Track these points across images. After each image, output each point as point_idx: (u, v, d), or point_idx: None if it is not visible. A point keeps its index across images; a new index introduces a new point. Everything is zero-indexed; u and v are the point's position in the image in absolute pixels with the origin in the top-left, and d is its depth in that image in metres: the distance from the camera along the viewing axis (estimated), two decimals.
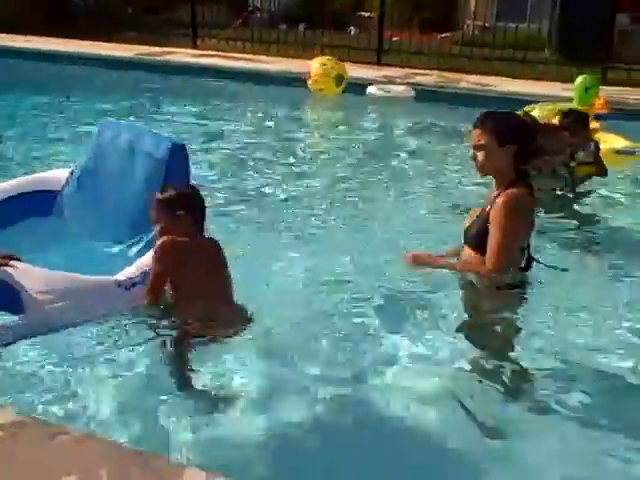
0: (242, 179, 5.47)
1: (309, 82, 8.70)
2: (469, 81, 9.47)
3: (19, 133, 6.57)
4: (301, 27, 12.60)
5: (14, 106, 8.06)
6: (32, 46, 11.40)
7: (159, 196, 2.83)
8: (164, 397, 2.47)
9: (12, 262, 2.65)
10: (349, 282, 3.42)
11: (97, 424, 2.32)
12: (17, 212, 3.45)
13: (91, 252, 3.33)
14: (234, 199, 4.89)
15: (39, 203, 3.57)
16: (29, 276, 2.63)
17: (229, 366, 2.65)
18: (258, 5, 13.89)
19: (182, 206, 2.79)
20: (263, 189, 5.17)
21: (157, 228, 2.81)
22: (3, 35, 11.99)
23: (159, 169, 3.22)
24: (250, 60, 10.67)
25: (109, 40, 11.74)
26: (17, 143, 6.16)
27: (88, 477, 1.75)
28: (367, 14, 13.00)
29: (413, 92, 8.79)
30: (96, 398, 2.45)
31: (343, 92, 8.77)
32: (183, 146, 3.31)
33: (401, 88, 8.91)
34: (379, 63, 10.60)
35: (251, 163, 5.95)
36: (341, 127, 7.72)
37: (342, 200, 4.98)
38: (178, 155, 3.26)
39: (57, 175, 3.72)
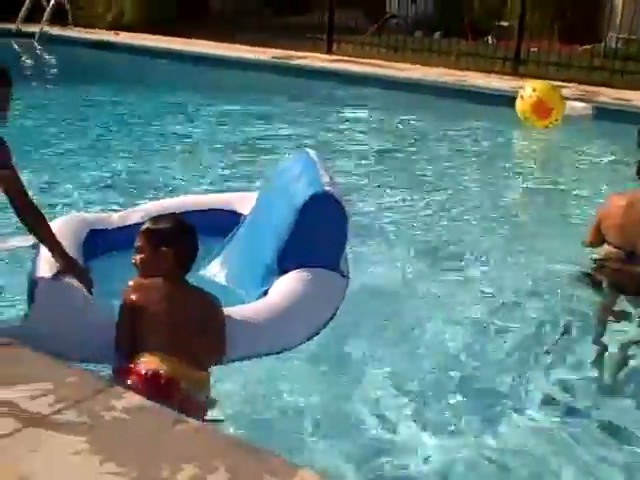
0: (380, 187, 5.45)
1: (554, 116, 7.27)
2: (610, 95, 9.08)
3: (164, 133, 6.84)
4: (437, 35, 12.47)
5: (155, 105, 8.42)
6: (163, 45, 11.86)
7: (149, 225, 2.64)
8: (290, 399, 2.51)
9: None
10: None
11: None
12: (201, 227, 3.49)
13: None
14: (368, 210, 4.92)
15: (224, 222, 3.59)
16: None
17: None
18: (395, 12, 13.86)
19: (168, 242, 2.57)
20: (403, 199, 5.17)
21: (138, 258, 2.59)
22: (146, 35, 12.54)
23: (291, 217, 3.07)
24: (384, 66, 10.65)
25: (243, 42, 12.00)
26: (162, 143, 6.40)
27: (204, 467, 1.77)
28: (506, 24, 12.71)
29: (591, 110, 8.03)
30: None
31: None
32: (327, 196, 3.06)
33: (579, 105, 8.08)
34: (516, 73, 10.34)
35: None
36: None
37: None
38: (317, 207, 3.04)
39: (249, 198, 3.70)
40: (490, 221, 4.88)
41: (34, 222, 2.89)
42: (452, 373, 2.99)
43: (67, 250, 2.96)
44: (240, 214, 3.67)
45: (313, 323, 2.90)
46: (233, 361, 2.63)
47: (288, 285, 2.99)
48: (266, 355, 2.72)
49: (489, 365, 3.09)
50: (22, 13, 12.76)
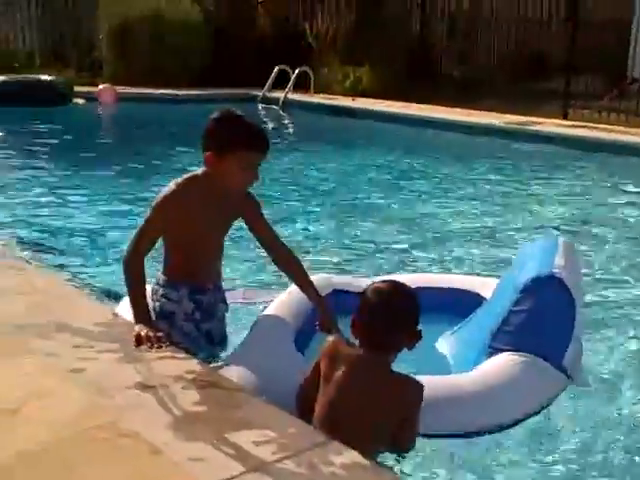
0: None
1: None
2: None
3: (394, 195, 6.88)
4: None
5: (390, 168, 8.58)
6: (395, 110, 12.15)
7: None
8: None
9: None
10: None
11: None
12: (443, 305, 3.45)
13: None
14: None
15: (467, 303, 3.51)
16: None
17: None
18: (637, 76, 13.25)
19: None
20: None
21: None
22: (379, 100, 12.95)
23: (511, 297, 2.97)
24: (625, 132, 10.18)
25: (474, 107, 12.01)
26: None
27: None
28: None
29: None
30: None
31: None
32: (551, 279, 2.93)
33: None
34: None
35: None
36: None
37: None
38: (538, 290, 2.91)
39: (489, 283, 3.63)
40: None
41: (295, 269, 3.06)
42: None
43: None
44: (483, 297, 3.53)
45: (504, 410, 2.67)
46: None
47: (490, 366, 2.84)
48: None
49: None
50: (269, 81, 13.73)
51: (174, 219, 2.83)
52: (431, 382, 2.50)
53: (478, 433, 2.60)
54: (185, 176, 2.91)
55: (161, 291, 2.95)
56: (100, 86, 13.43)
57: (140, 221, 2.93)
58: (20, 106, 11.67)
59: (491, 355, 2.90)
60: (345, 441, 2.12)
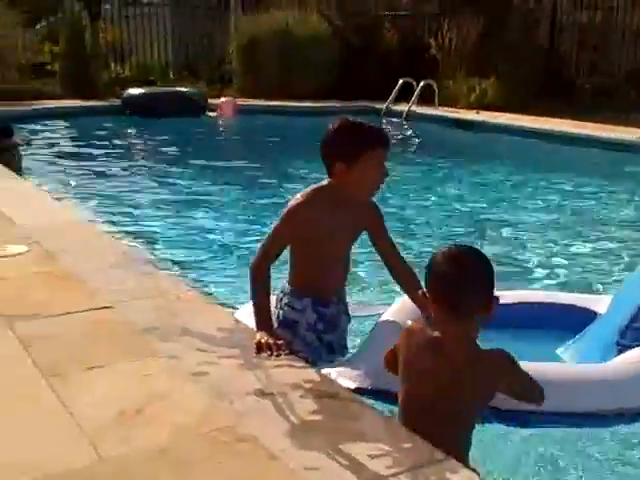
0: None
1: None
2: None
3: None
4: None
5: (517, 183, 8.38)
6: (520, 123, 11.87)
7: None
8: None
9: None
10: None
11: None
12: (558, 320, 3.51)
13: None
14: None
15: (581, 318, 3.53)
16: None
17: None
18: None
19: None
20: None
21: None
22: (505, 113, 12.69)
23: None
24: None
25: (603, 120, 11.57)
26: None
27: None
28: None
29: None
30: None
31: None
32: None
33: None
34: None
35: None
36: None
37: None
38: None
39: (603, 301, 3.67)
40: None
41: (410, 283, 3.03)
42: None
43: None
44: (597, 313, 3.53)
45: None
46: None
47: (627, 357, 2.95)
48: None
49: None
50: (393, 94, 13.73)
51: (301, 230, 2.89)
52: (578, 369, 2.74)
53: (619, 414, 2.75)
54: (312, 187, 2.96)
55: (285, 299, 3.00)
56: (221, 99, 13.82)
57: (266, 230, 3.01)
58: (159, 117, 12.21)
59: (621, 352, 2.99)
60: (438, 424, 2.15)
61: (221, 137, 12.93)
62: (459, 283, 2.19)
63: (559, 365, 3.12)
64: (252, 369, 2.63)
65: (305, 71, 14.86)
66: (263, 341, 2.74)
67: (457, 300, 2.18)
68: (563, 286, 4.69)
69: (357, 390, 2.73)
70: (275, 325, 2.94)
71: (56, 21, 17.41)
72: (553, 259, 5.46)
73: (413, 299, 3.02)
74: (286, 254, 3.00)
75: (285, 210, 2.91)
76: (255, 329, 2.88)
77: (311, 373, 2.61)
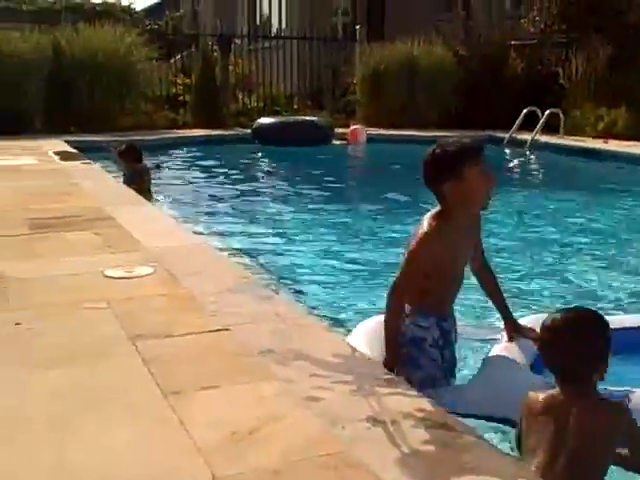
0: None
1: None
2: None
3: None
4: None
5: None
6: None
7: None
8: None
9: None
10: None
11: None
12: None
13: None
14: None
15: None
16: None
17: None
18: None
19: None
20: None
21: None
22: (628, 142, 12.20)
23: None
24: None
25: None
26: None
27: None
28: None
29: None
30: None
31: None
32: None
33: None
34: None
35: None
36: None
37: None
38: None
39: None
40: None
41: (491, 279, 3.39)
42: None
43: None
44: None
45: None
46: None
47: None
48: None
49: None
50: (516, 123, 13.49)
51: (436, 253, 3.01)
52: None
53: None
54: (433, 212, 3.09)
55: (410, 318, 3.11)
56: (351, 126, 13.99)
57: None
58: (288, 145, 12.52)
59: None
60: None
61: (351, 164, 13.14)
62: (576, 352, 2.25)
63: None
64: (365, 396, 2.61)
65: (429, 100, 14.91)
66: None
67: (574, 367, 2.28)
68: None
69: (473, 415, 2.70)
70: (400, 341, 3.10)
71: (189, 55, 18.21)
72: None
73: (495, 303, 3.39)
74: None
75: (419, 236, 3.03)
76: (384, 350, 3.07)
77: (424, 402, 2.58)
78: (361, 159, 13.52)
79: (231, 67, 16.57)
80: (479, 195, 3.03)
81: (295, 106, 16.92)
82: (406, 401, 2.57)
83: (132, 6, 27.21)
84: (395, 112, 14.73)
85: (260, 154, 12.94)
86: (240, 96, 16.85)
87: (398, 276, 3.07)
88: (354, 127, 13.95)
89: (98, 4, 25.21)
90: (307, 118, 14.33)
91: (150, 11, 28.74)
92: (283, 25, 21.12)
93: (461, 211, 3.04)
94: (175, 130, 14.46)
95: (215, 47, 16.44)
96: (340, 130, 14.10)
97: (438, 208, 3.09)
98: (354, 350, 3.12)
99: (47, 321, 3.40)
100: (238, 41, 18.15)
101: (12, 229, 5.27)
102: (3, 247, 4.72)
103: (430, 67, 15.11)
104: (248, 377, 2.80)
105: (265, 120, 13.83)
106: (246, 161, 12.22)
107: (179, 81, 17.05)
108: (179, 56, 18.63)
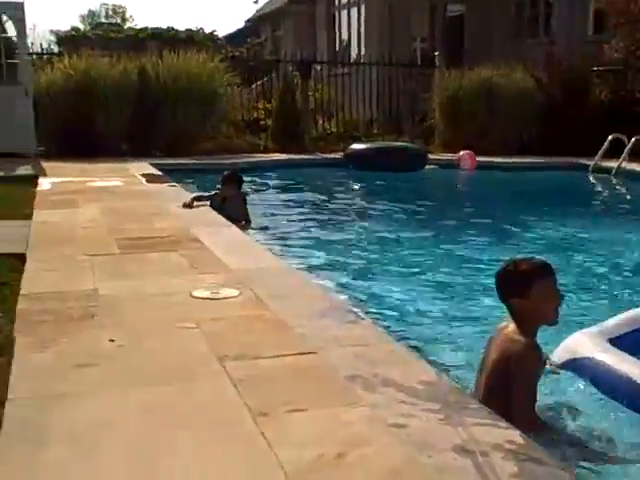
0: None
1: None
2: None
3: None
4: None
5: None
6: None
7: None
8: None
9: None
10: None
11: None
12: None
13: None
14: None
15: None
16: None
17: None
18: None
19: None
20: None
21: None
22: None
23: None
24: None
25: None
26: None
27: None
28: None
29: None
30: None
31: None
32: None
33: None
34: None
35: None
36: None
37: None
38: None
39: None
40: None
41: None
42: None
43: None
44: None
45: None
46: None
47: None
48: None
49: None
50: (602, 150, 13.19)
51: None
52: None
53: None
54: (512, 327, 3.26)
55: None
56: (461, 152, 13.90)
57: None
58: (381, 170, 12.60)
59: None
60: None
61: (448, 189, 13.05)
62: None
63: None
64: (454, 425, 2.59)
65: (509, 126, 14.74)
66: None
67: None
68: None
69: None
70: None
71: (270, 81, 18.51)
72: None
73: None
74: None
75: (522, 353, 3.10)
76: None
77: (515, 435, 2.54)
78: (469, 185, 13.41)
79: (311, 92, 16.75)
80: (545, 314, 3.20)
81: (375, 131, 16.95)
82: (496, 432, 2.54)
83: (215, 33, 27.82)
84: (474, 137, 14.61)
85: (354, 179, 12.85)
86: (320, 121, 17.00)
87: (517, 407, 3.03)
88: (465, 152, 13.80)
89: (182, 31, 25.92)
90: (401, 143, 14.45)
91: (231, 38, 29.32)
92: (362, 51, 21.23)
93: (531, 328, 3.19)
94: (256, 154, 14.63)
95: (295, 73, 16.67)
96: (435, 156, 14.12)
97: (514, 325, 3.22)
98: (441, 377, 3.10)
99: (138, 339, 3.49)
100: (318, 67, 18.35)
101: (103, 249, 5.43)
102: (95, 266, 4.86)
103: (510, 92, 14.95)
104: (335, 401, 2.82)
105: (358, 145, 13.92)
106: (336, 185, 12.21)
107: (260, 106, 17.33)
108: (260, 82, 18.95)
